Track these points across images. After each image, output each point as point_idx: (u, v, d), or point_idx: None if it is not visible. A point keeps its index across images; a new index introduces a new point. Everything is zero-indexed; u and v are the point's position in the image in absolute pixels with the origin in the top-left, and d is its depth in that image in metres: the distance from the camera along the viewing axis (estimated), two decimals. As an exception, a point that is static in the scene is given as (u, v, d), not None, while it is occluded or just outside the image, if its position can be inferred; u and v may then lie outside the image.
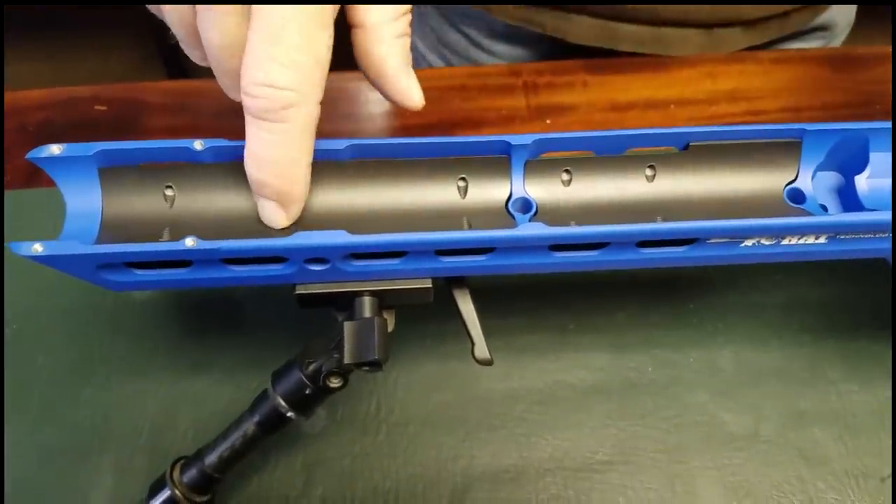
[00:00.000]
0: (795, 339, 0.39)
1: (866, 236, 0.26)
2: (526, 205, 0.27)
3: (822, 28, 0.56)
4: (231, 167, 0.25)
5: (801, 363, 0.38)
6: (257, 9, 0.21)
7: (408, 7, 0.25)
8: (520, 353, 0.38)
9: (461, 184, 0.26)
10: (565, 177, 0.27)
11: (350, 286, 0.26)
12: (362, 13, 0.24)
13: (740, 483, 0.35)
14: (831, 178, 0.28)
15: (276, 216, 0.24)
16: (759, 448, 0.36)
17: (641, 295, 0.40)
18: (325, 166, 0.25)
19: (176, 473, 0.31)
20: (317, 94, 0.22)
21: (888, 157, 0.27)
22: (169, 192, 0.25)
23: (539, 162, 0.26)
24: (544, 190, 0.26)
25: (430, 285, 0.26)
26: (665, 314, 0.39)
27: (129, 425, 0.36)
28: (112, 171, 0.25)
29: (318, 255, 0.24)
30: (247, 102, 0.22)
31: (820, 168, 0.27)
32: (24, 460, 0.35)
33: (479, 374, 0.37)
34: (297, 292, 0.26)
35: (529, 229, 0.24)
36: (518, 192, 0.26)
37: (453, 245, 0.24)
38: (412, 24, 0.26)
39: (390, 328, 0.28)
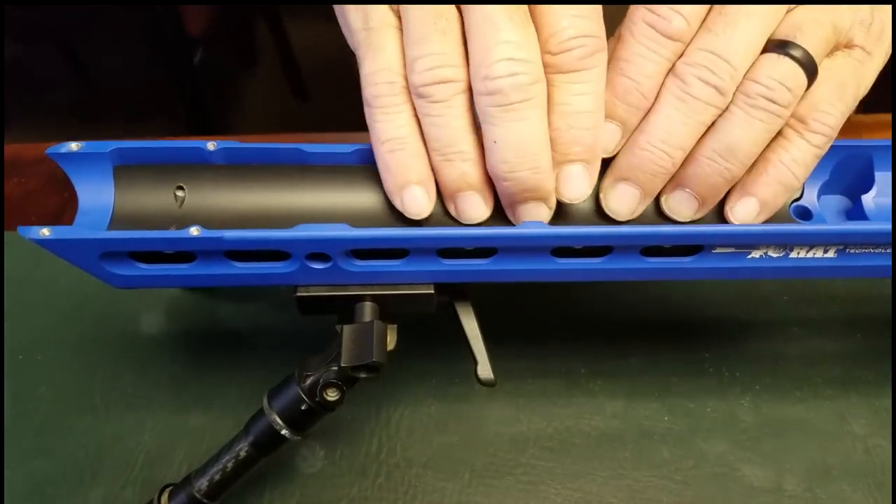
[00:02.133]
0: (817, 392, 0.37)
1: (875, 251, 0.25)
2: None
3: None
4: (241, 169, 0.26)
5: (825, 416, 0.36)
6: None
7: None
8: (529, 398, 0.37)
9: None
10: None
11: (351, 289, 0.26)
12: None
13: (765, 540, 0.32)
14: (839, 201, 0.28)
15: (584, 181, 0.24)
16: (784, 503, 0.33)
17: (654, 341, 0.39)
18: (331, 170, 0.26)
19: (164, 500, 0.30)
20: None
21: (890, 176, 0.27)
22: (180, 193, 0.26)
23: None
24: None
25: (433, 291, 0.26)
26: (679, 361, 0.38)
27: (122, 458, 0.35)
28: (126, 170, 0.25)
29: (320, 250, 0.24)
30: (561, 59, 0.22)
31: (826, 187, 0.27)
32: (13, 491, 0.34)
33: (485, 417, 0.36)
34: (298, 294, 0.26)
35: (531, 228, 0.24)
36: None
37: (455, 242, 0.24)
38: None
39: (391, 346, 0.28)
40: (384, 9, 0.24)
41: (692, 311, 0.41)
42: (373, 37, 0.24)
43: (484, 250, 0.25)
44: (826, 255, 0.25)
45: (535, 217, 0.24)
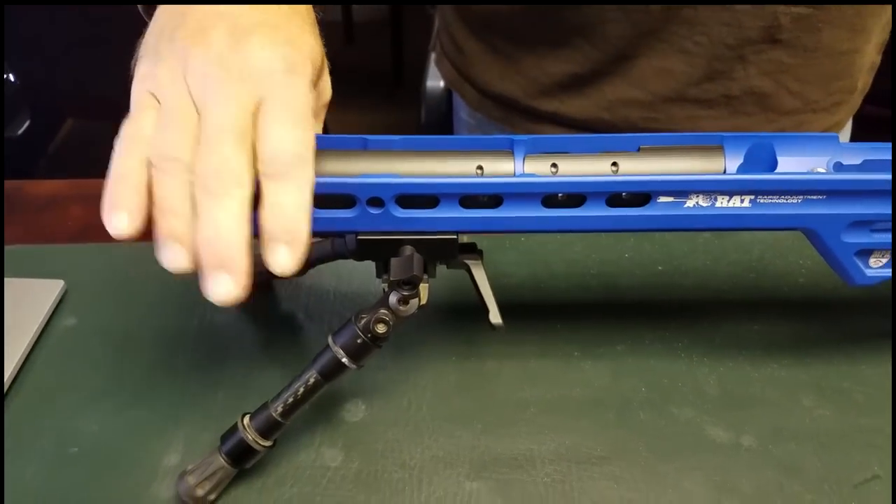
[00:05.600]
0: (772, 374, 0.45)
1: (780, 201, 0.34)
2: None
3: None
4: (318, 153, 0.35)
5: (779, 392, 0.44)
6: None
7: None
8: (532, 373, 0.45)
9: (479, 171, 0.36)
10: (553, 169, 0.36)
11: (397, 235, 0.35)
12: None
13: (724, 482, 0.39)
14: None
15: (289, 259, 0.31)
16: (741, 455, 0.40)
17: (638, 332, 0.47)
18: (382, 153, 0.36)
19: (246, 420, 0.38)
20: None
21: (792, 160, 0.36)
22: None
23: (534, 157, 0.36)
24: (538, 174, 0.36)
25: (456, 237, 0.35)
26: (658, 349, 0.46)
27: (201, 409, 0.43)
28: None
29: (376, 194, 0.33)
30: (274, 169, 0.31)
31: (742, 168, 0.37)
32: (114, 433, 0.42)
33: (495, 385, 0.44)
34: (359, 237, 0.35)
35: (525, 177, 0.34)
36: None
37: (472, 189, 0.34)
38: None
39: (424, 300, 0.37)
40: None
41: (671, 310, 0.49)
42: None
43: (494, 199, 0.34)
44: (743, 205, 0.34)
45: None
